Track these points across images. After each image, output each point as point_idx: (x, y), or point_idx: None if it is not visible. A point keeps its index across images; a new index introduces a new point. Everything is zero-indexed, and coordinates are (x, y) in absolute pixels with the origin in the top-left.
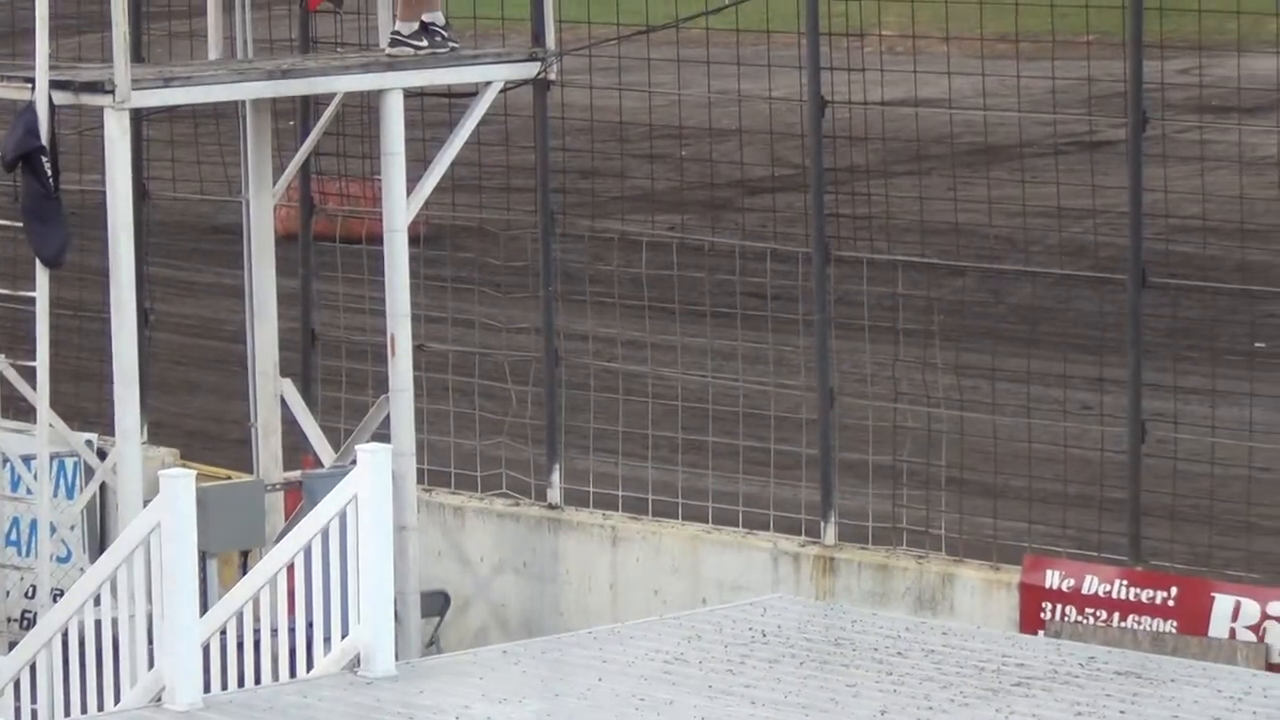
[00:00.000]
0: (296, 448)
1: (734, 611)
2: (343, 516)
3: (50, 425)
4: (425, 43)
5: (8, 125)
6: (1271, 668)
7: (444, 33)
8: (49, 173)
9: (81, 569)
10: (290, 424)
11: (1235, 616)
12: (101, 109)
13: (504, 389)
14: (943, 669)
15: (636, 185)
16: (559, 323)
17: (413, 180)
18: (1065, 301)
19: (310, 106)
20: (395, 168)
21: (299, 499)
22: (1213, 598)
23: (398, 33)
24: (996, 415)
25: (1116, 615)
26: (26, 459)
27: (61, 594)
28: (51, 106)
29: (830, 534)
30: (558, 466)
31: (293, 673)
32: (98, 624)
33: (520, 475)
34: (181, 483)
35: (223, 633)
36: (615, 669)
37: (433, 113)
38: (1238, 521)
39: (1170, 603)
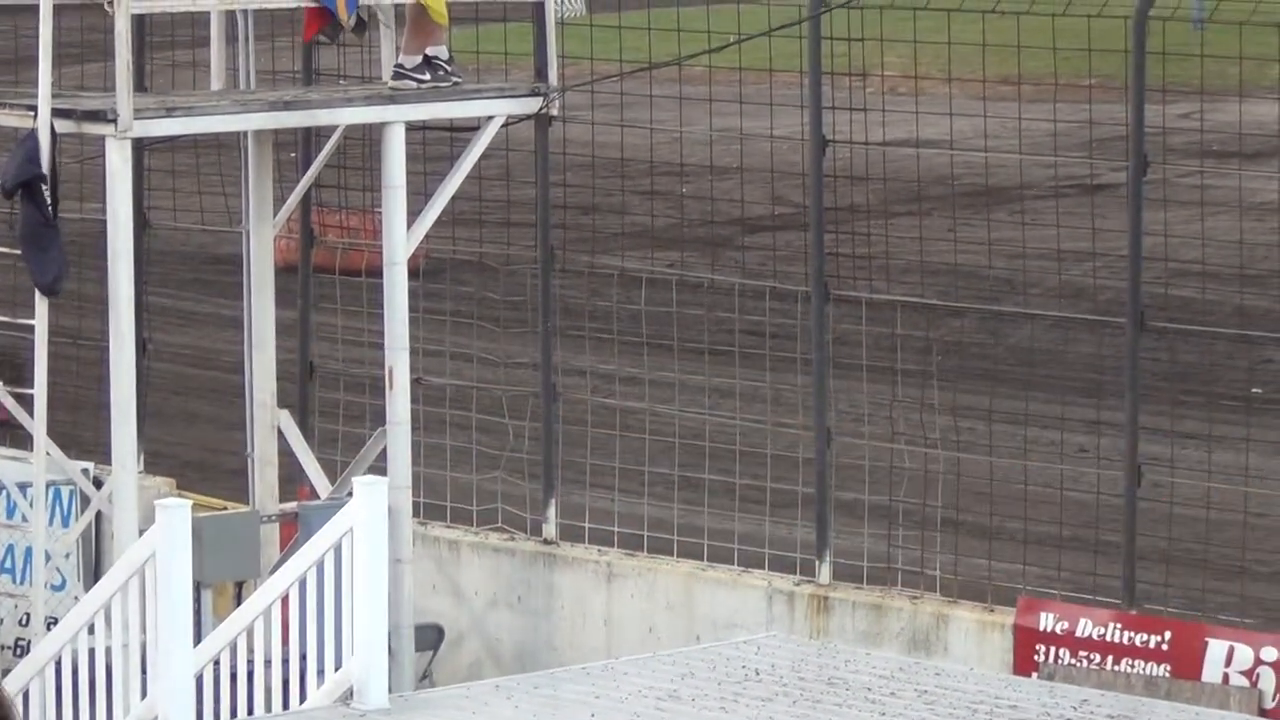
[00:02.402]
0: (293, 479)
1: (728, 649)
2: (338, 549)
3: (47, 453)
4: (428, 76)
5: (10, 151)
6: (1264, 713)
7: (447, 66)
8: (48, 201)
9: (76, 597)
10: (287, 455)
11: (1229, 661)
12: (103, 138)
13: (501, 424)
14: (935, 710)
15: (636, 222)
16: (557, 358)
17: (413, 213)
18: (1064, 344)
19: (312, 138)
20: (396, 201)
21: (294, 530)
22: (1206, 642)
23: (401, 66)
24: (993, 457)
25: (1110, 658)
26: (23, 486)
27: (56, 622)
28: (53, 134)
29: (825, 573)
30: (554, 502)
31: (286, 704)
32: (91, 652)
33: (516, 510)
34: (177, 512)
35: (216, 663)
36: (608, 705)
37: (434, 146)
38: (1232, 566)
39: (1164, 647)
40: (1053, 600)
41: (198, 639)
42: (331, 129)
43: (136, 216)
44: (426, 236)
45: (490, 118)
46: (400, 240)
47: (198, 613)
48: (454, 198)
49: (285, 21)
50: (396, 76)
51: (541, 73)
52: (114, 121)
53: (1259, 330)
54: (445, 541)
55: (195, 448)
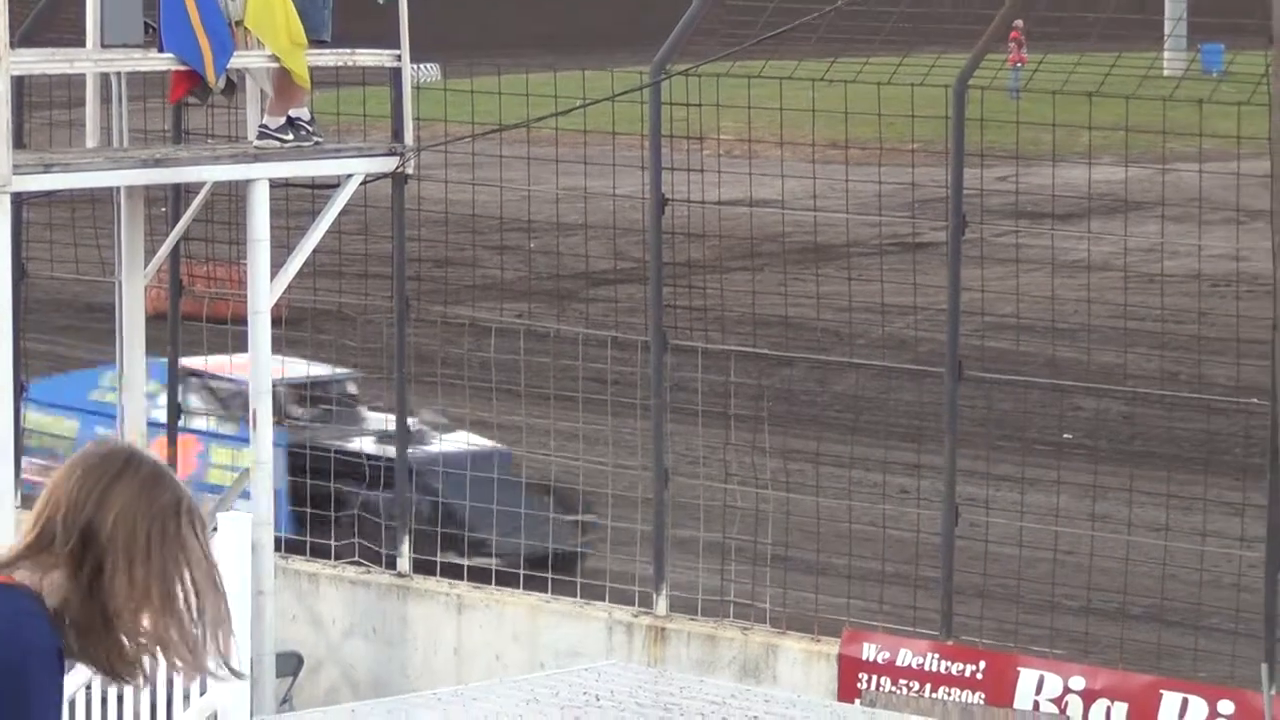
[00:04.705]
0: None
1: (570, 676)
2: None
3: None
4: (291, 136)
5: None
6: None
7: (309, 127)
8: None
9: None
10: None
11: (1039, 690)
12: None
13: (361, 464)
14: None
15: (487, 274)
16: (412, 402)
17: (276, 265)
18: (887, 392)
19: (181, 194)
20: (260, 253)
21: None
22: (1018, 671)
23: (265, 126)
24: (820, 497)
25: (928, 686)
26: None
27: None
28: None
29: (662, 605)
30: (407, 538)
31: None
32: None
33: (371, 545)
34: None
35: (88, 687)
36: None
37: (296, 202)
38: (1043, 600)
39: (979, 675)
40: (875, 631)
41: (72, 664)
42: (199, 185)
43: (15, 267)
44: (289, 287)
45: (350, 175)
46: (264, 290)
47: None
48: (315, 250)
49: (156, 83)
50: (261, 136)
51: (398, 134)
52: None
53: (1069, 380)
54: (305, 574)
55: None
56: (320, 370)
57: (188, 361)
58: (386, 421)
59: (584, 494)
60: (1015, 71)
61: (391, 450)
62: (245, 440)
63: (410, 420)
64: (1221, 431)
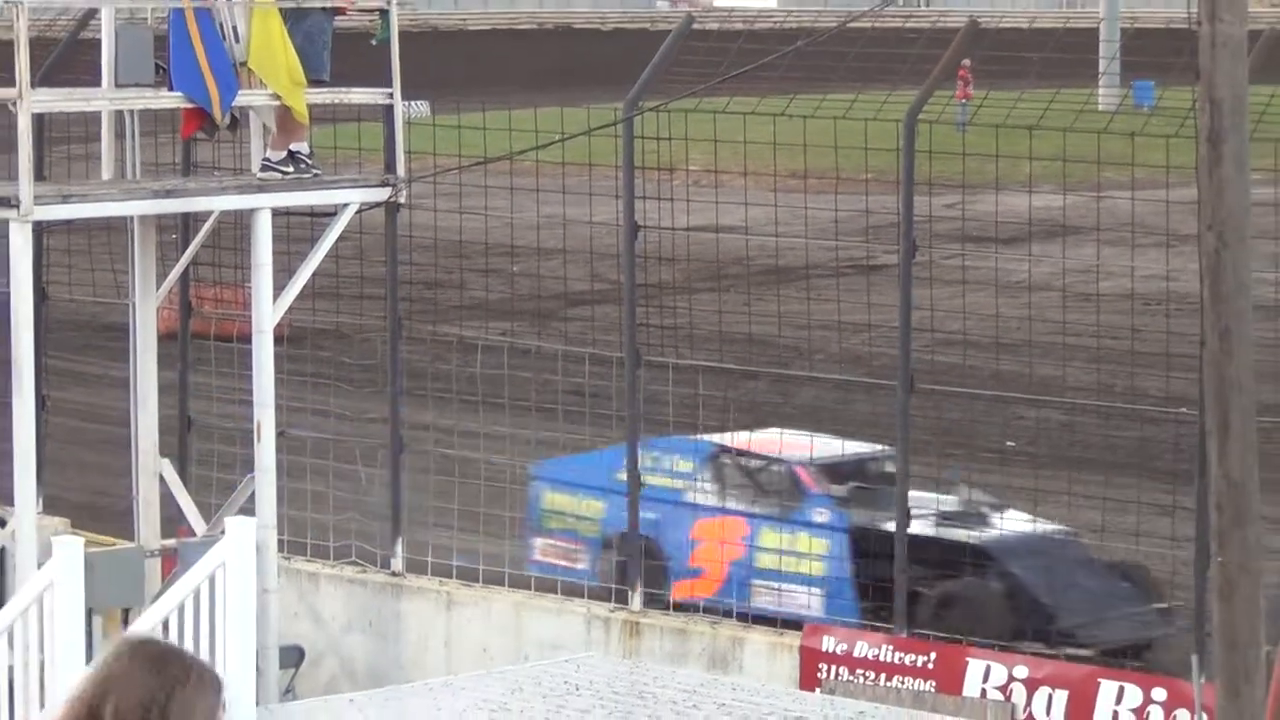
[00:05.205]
0: (173, 519)
1: (552, 667)
2: (212, 580)
3: None
4: (291, 168)
5: None
6: None
7: (308, 160)
8: None
9: None
10: (168, 498)
11: (986, 679)
12: (7, 221)
13: (355, 471)
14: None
15: (473, 296)
16: (404, 414)
17: (278, 287)
18: (844, 403)
19: (190, 222)
20: (263, 277)
21: (174, 564)
22: (967, 662)
23: (268, 159)
24: None
25: (883, 676)
26: None
27: None
28: None
29: (637, 601)
30: (400, 539)
31: None
32: None
33: (368, 546)
34: (71, 548)
35: None
36: (448, 716)
37: (297, 229)
38: None
39: (930, 666)
40: (834, 626)
41: (89, 658)
42: (207, 214)
43: (36, 290)
44: (290, 307)
45: (346, 204)
46: (267, 311)
47: (90, 635)
48: (314, 274)
49: (167, 120)
50: (264, 168)
51: (390, 166)
52: (16, 207)
53: (1012, 392)
54: (306, 574)
55: (87, 492)
56: (858, 448)
57: (720, 438)
58: (938, 503)
59: (1152, 574)
60: (963, 106)
61: (957, 533)
62: (796, 523)
63: (957, 498)
64: (1153, 439)
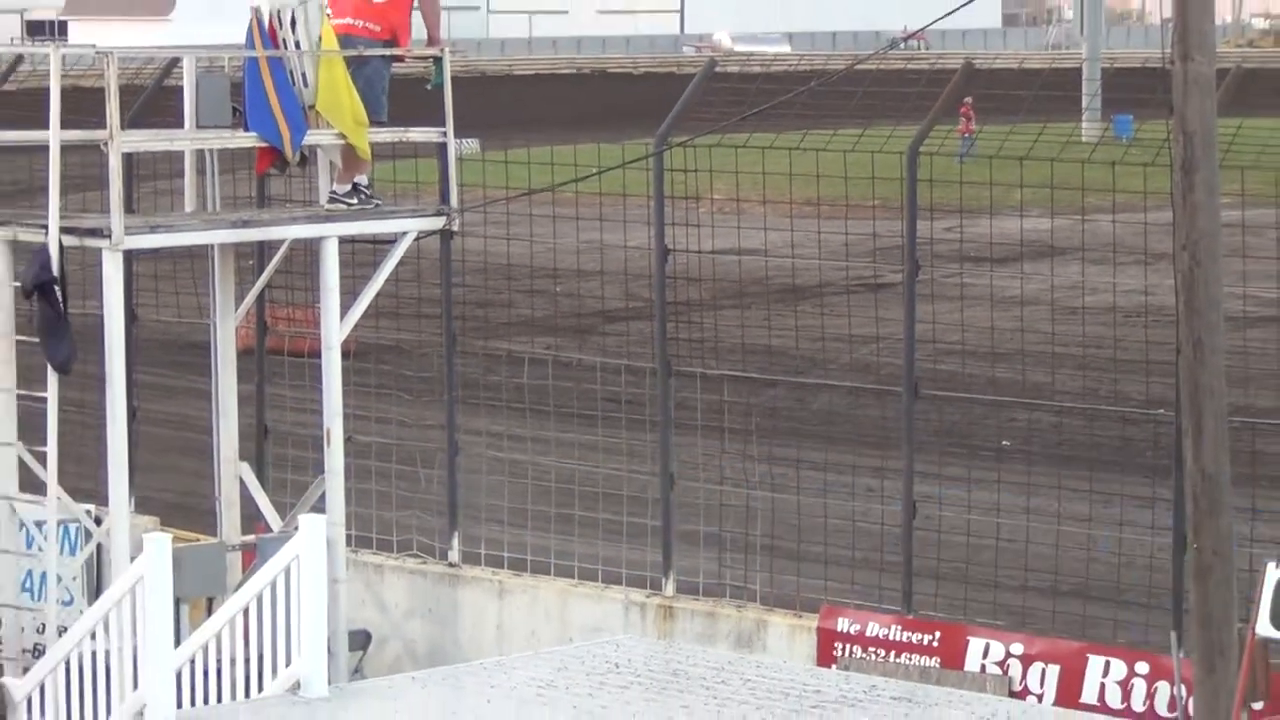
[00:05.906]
0: (252, 517)
1: (594, 648)
2: (287, 571)
3: (58, 498)
4: (355, 201)
5: (28, 261)
6: (1013, 694)
7: (369, 192)
8: (60, 299)
9: (81, 611)
10: (247, 498)
11: (985, 655)
12: (100, 250)
13: (415, 472)
14: (757, 694)
15: (520, 314)
16: (459, 421)
17: (345, 308)
18: (855, 408)
19: (264, 249)
20: (331, 298)
21: (253, 557)
22: (968, 640)
23: (334, 192)
24: (800, 495)
25: (892, 653)
26: (39, 524)
27: (65, 631)
28: (61, 247)
29: (670, 587)
30: (457, 533)
31: (247, 694)
32: (94, 654)
33: (427, 540)
34: (161, 544)
35: (192, 662)
36: (501, 693)
37: (361, 255)
38: (987, 580)
39: (934, 644)
40: (848, 608)
41: (177, 642)
42: (280, 242)
43: (126, 312)
44: (355, 325)
45: (405, 232)
46: (335, 329)
47: (177, 622)
48: (377, 295)
49: (243, 157)
50: (331, 200)
51: (445, 197)
52: (109, 237)
53: (1007, 396)
54: (372, 565)
55: (175, 493)
56: None
57: None
58: None
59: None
60: (967, 140)
61: None
62: None
63: None
64: (1134, 438)
